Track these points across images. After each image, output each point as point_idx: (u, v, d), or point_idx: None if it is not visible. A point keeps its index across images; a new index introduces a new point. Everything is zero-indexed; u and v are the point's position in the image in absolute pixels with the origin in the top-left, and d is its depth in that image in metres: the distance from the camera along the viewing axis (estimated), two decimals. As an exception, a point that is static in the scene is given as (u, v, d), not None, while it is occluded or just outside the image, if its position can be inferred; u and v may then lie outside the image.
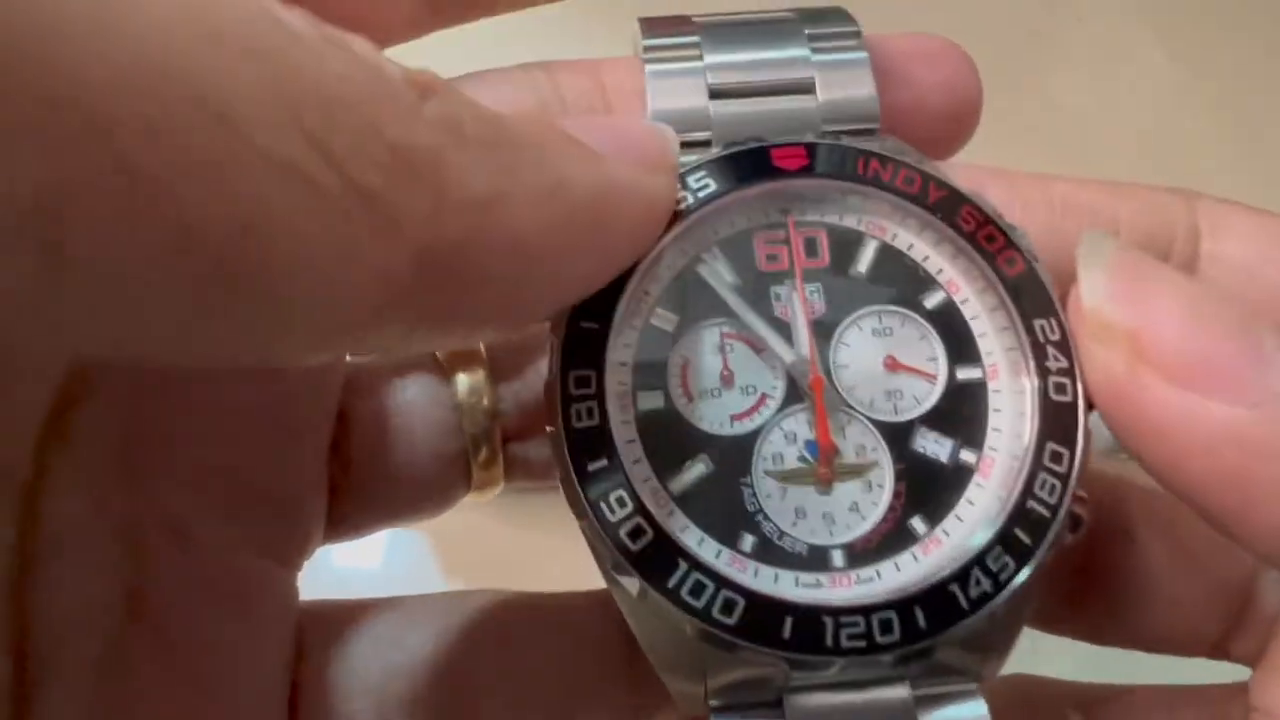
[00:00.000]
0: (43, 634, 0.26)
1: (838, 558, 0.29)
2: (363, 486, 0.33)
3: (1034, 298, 0.29)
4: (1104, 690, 0.33)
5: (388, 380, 0.33)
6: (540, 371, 0.33)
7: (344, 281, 0.18)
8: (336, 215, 0.18)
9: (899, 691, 0.27)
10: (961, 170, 0.32)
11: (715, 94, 0.31)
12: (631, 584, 0.27)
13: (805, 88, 0.31)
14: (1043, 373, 0.28)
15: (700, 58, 0.31)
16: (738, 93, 0.31)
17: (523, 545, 0.54)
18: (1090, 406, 0.28)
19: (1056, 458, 0.28)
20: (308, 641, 0.32)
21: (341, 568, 0.67)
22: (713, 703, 0.27)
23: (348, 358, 0.33)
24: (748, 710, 0.27)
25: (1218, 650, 0.32)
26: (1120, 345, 0.25)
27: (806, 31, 0.31)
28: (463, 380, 0.33)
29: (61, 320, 0.16)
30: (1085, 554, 0.31)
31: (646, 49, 0.31)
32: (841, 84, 0.31)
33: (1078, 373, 0.28)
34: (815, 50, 0.31)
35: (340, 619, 0.33)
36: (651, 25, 0.32)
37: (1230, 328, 0.24)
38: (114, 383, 0.27)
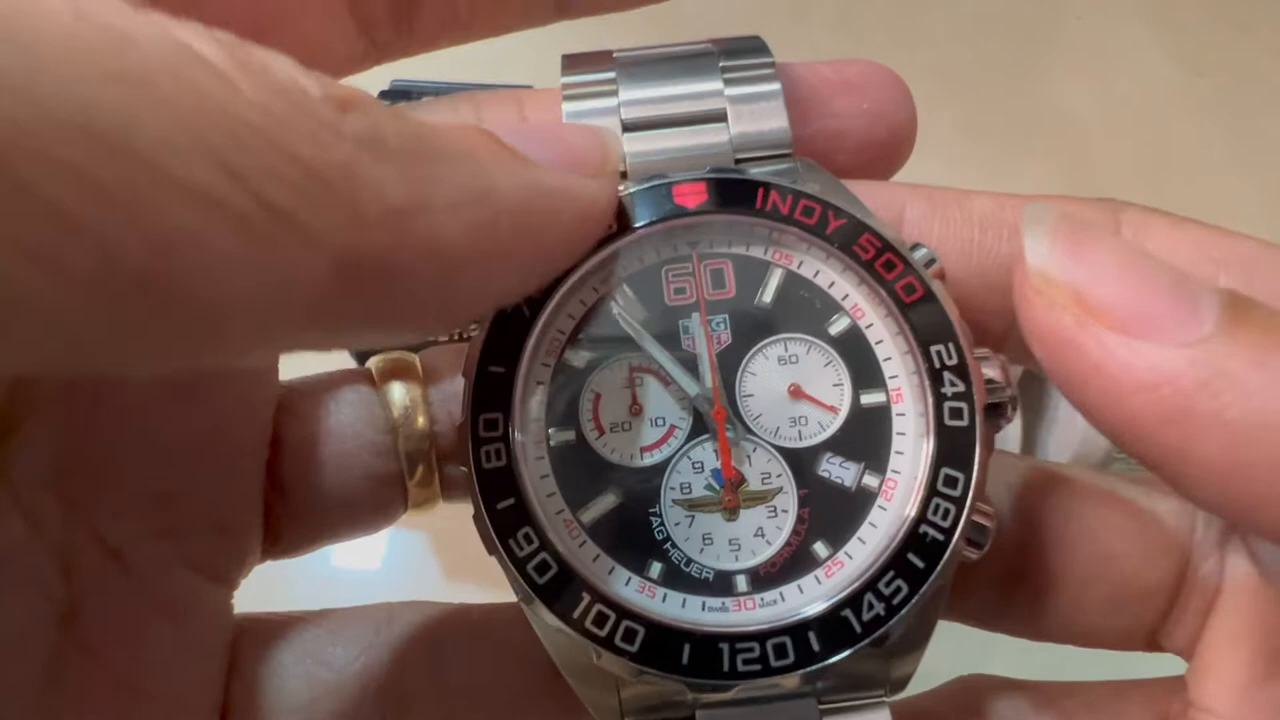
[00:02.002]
0: None
1: (742, 582, 0.30)
2: (298, 507, 0.33)
3: (931, 323, 0.30)
4: (1054, 688, 0.34)
5: (321, 403, 0.34)
6: None
7: (264, 290, 0.19)
8: (251, 232, 0.19)
9: (806, 706, 0.28)
10: (881, 189, 0.32)
11: (628, 127, 0.31)
12: (541, 612, 0.28)
13: (717, 118, 0.32)
14: (939, 398, 0.29)
15: (615, 93, 0.32)
16: (650, 125, 0.32)
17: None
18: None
19: (951, 482, 0.29)
20: (241, 656, 0.33)
21: (342, 568, 0.69)
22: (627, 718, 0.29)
23: (280, 379, 0.34)
24: None
25: (1150, 644, 0.33)
26: (1065, 299, 0.26)
27: (721, 64, 0.32)
28: (397, 399, 0.33)
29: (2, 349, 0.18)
30: (1016, 554, 0.32)
31: (565, 85, 0.32)
32: (753, 116, 0.32)
33: (975, 396, 0.29)
34: (728, 83, 0.32)
35: (272, 634, 0.34)
36: (571, 62, 0.33)
37: (1166, 279, 0.26)
38: (47, 414, 0.29)
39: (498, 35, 0.32)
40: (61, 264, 0.17)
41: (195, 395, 0.31)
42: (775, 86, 0.32)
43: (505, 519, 0.29)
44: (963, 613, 0.33)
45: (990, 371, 0.30)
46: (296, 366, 0.30)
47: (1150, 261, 0.26)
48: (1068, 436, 0.66)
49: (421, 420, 0.33)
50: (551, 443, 0.30)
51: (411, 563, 0.70)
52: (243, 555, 0.33)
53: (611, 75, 0.32)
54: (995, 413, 0.30)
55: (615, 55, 0.33)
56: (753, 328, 0.31)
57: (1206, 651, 0.31)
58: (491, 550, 0.29)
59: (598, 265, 0.30)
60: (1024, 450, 0.68)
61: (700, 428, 0.30)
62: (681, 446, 0.30)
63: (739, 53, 0.33)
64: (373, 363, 0.34)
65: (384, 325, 0.24)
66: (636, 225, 0.30)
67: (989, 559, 0.30)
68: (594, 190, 0.27)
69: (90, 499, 0.30)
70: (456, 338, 0.51)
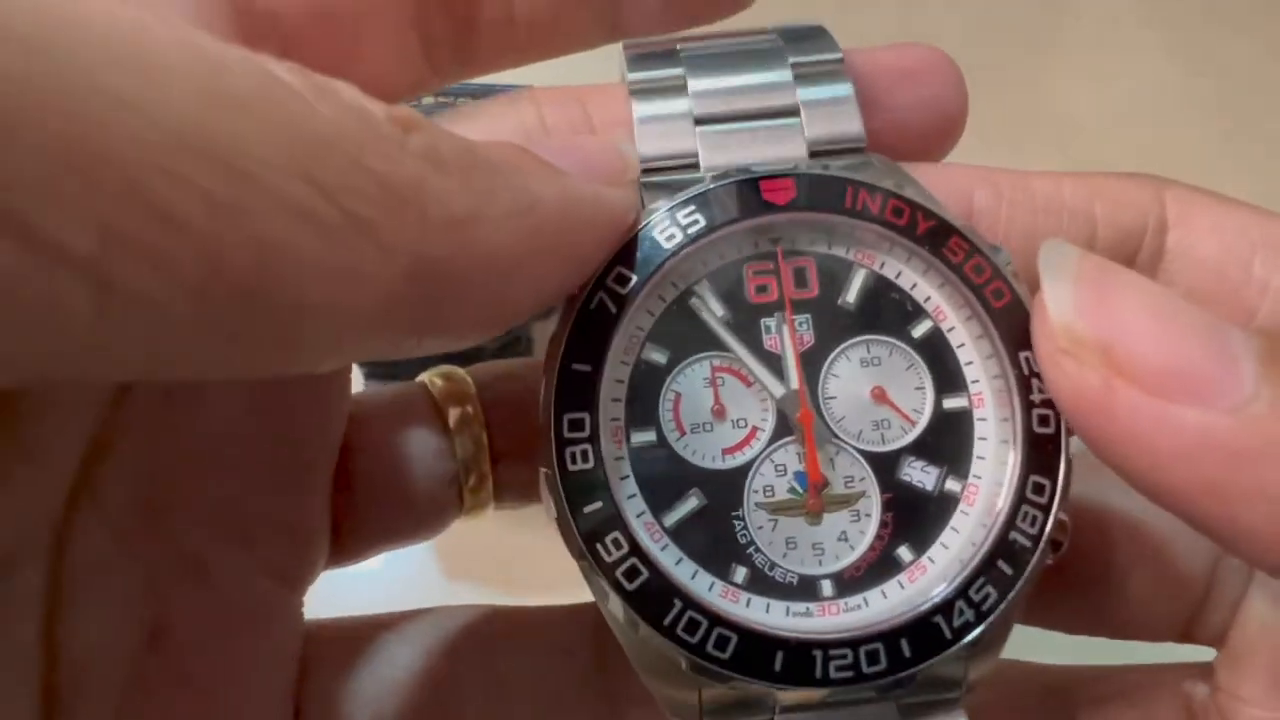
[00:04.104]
0: (69, 667, 0.28)
1: (827, 587, 0.29)
2: (363, 514, 0.34)
3: (1019, 329, 0.29)
4: (1077, 672, 0.34)
5: (387, 415, 0.35)
6: (523, 398, 0.33)
7: (348, 298, 0.21)
8: (338, 243, 0.20)
9: (885, 708, 0.28)
10: (947, 175, 0.32)
11: (701, 120, 0.31)
12: (630, 622, 0.28)
13: (791, 112, 0.31)
14: (1027, 405, 0.29)
15: (685, 90, 0.31)
16: (724, 119, 0.31)
17: (522, 548, 0.55)
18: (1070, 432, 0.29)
19: (1039, 489, 0.29)
20: (311, 660, 0.34)
21: (343, 569, 0.68)
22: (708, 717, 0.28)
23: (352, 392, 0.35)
24: None
25: (1185, 635, 0.33)
26: (1093, 359, 0.25)
27: (790, 60, 0.32)
28: (455, 416, 0.35)
29: (109, 346, 0.19)
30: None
31: (632, 83, 0.32)
32: (829, 119, 0.31)
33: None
34: (799, 79, 0.31)
35: (340, 637, 0.35)
36: (638, 58, 0.32)
37: (1200, 333, 0.25)
38: (136, 433, 0.29)
39: (553, 57, 0.32)
40: (174, 265, 0.18)
41: (272, 407, 0.32)
42: (848, 89, 0.31)
43: (593, 523, 0.28)
44: None
45: None
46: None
47: (1184, 310, 0.25)
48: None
49: (476, 428, 0.35)
50: (631, 443, 0.29)
51: (412, 563, 0.69)
52: (313, 561, 0.33)
53: (680, 71, 0.31)
54: None
55: (679, 49, 0.32)
56: (836, 329, 0.30)
57: (1238, 638, 0.32)
58: (578, 555, 0.28)
59: (681, 260, 0.30)
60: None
61: (783, 430, 0.30)
62: (764, 449, 0.30)
63: (806, 45, 0.32)
64: (426, 376, 0.36)
65: (443, 330, 0.25)
66: (721, 220, 0.30)
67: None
68: (618, 197, 0.28)
69: (172, 511, 0.30)
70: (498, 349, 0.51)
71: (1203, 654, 0.33)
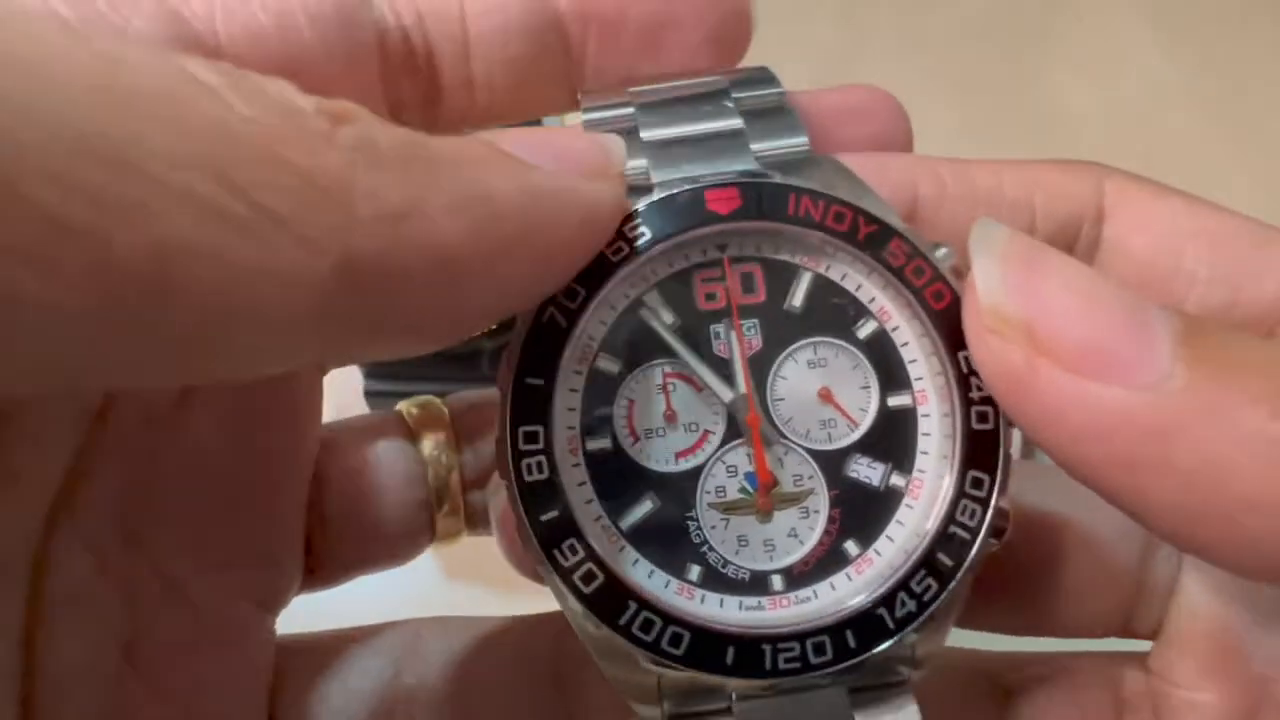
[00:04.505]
0: (48, 684, 0.29)
1: (777, 581, 0.30)
2: (336, 539, 0.35)
3: (959, 329, 0.30)
4: (1009, 658, 0.35)
5: (359, 443, 0.36)
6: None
7: (268, 296, 0.20)
8: (249, 238, 0.20)
9: (836, 694, 0.29)
10: (890, 162, 0.32)
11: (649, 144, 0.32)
12: (589, 622, 0.29)
13: (737, 133, 0.32)
14: (966, 402, 0.30)
15: (636, 130, 0.32)
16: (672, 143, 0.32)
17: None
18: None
19: (977, 484, 0.30)
20: (284, 674, 0.35)
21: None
22: (669, 708, 0.29)
23: (322, 420, 0.35)
24: (700, 717, 0.30)
25: (1124, 630, 0.34)
26: (1017, 336, 0.26)
27: (734, 95, 0.32)
28: (428, 444, 0.36)
29: (14, 359, 0.19)
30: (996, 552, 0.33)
31: (586, 123, 0.32)
32: (772, 133, 0.32)
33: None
34: (744, 114, 0.32)
35: (312, 651, 0.36)
36: (590, 96, 0.33)
37: (1120, 311, 0.25)
38: (114, 457, 0.30)
39: (518, 122, 0.33)
40: (56, 266, 0.18)
41: (247, 434, 0.33)
42: (791, 113, 0.32)
43: (550, 531, 0.29)
44: None
45: None
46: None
47: (1104, 289, 0.26)
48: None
49: (449, 456, 0.36)
50: (587, 450, 0.31)
51: (411, 562, 0.69)
52: (287, 584, 0.35)
53: (630, 110, 0.32)
54: None
55: (630, 90, 0.33)
56: (783, 332, 0.31)
57: (1170, 627, 0.33)
58: (539, 562, 0.29)
59: (630, 272, 0.31)
60: (1024, 449, 0.69)
61: (734, 432, 0.31)
62: (715, 451, 0.31)
63: (749, 84, 0.33)
64: (402, 406, 0.37)
65: (391, 333, 0.24)
66: (668, 232, 0.31)
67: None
68: (597, 192, 0.27)
69: (151, 534, 0.31)
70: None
71: (1141, 646, 0.34)
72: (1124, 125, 0.91)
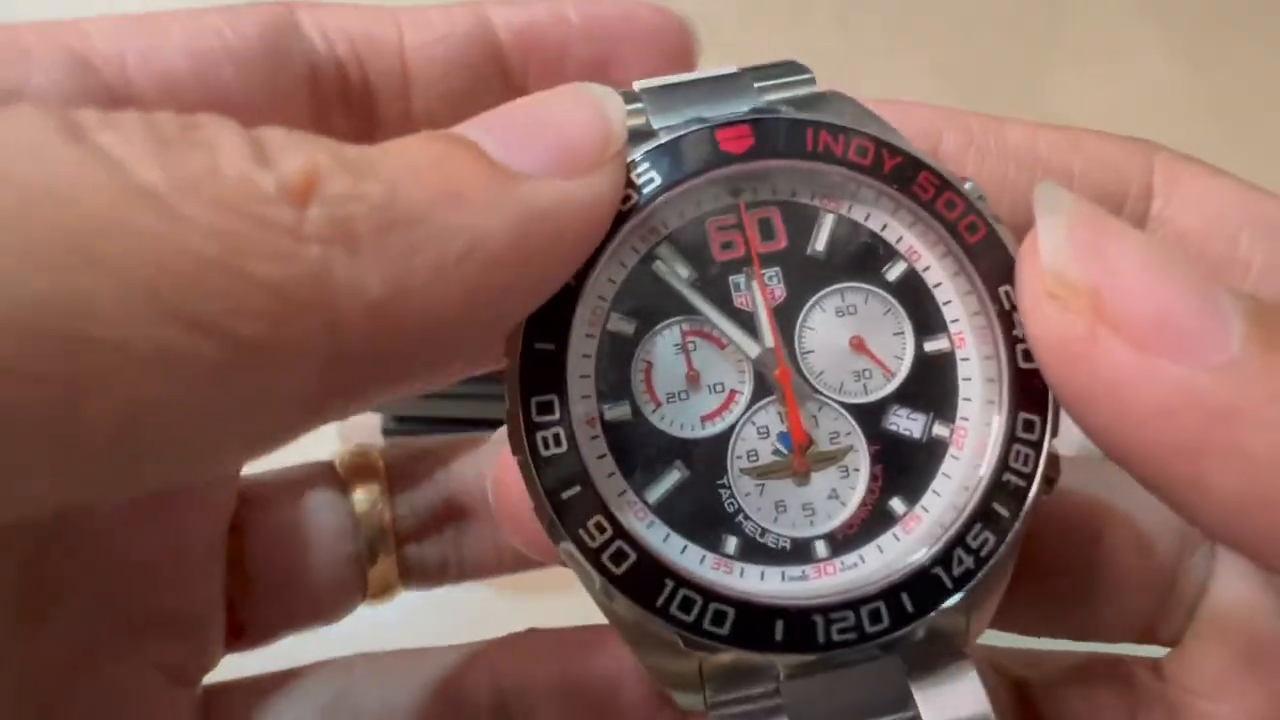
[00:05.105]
0: None
1: (821, 548, 0.28)
2: (261, 599, 0.33)
3: (997, 263, 0.28)
4: (1023, 654, 0.33)
5: (286, 496, 0.34)
6: (436, 477, 0.34)
7: (249, 414, 0.19)
8: (226, 374, 0.18)
9: (891, 664, 0.27)
10: (915, 113, 0.31)
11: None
12: (621, 606, 0.26)
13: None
14: (1010, 341, 0.28)
15: (647, 123, 0.29)
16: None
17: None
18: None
19: (1029, 426, 0.27)
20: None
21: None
22: (711, 695, 0.27)
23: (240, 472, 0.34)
24: (746, 701, 0.27)
25: (1145, 636, 0.32)
26: (1080, 303, 0.24)
27: (755, 85, 0.30)
28: (360, 496, 0.34)
29: None
30: (1024, 553, 0.31)
31: None
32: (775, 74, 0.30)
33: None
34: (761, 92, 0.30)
35: (246, 692, 0.34)
36: None
37: (1191, 288, 0.23)
38: (12, 541, 0.28)
39: None
40: (25, 452, 0.16)
41: (150, 503, 0.31)
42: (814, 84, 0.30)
43: (573, 508, 0.26)
44: None
45: None
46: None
47: (1177, 264, 0.24)
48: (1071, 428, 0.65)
49: (383, 509, 0.34)
50: (606, 419, 0.28)
51: None
52: (206, 651, 0.33)
53: (640, 106, 0.29)
54: None
55: (635, 86, 0.30)
56: (808, 280, 0.29)
57: (1192, 637, 0.31)
58: (559, 542, 0.27)
59: (638, 223, 0.28)
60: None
61: (762, 390, 0.29)
62: (744, 412, 0.29)
63: (773, 73, 0.31)
64: (336, 454, 0.35)
65: (380, 397, 0.22)
66: (676, 178, 0.28)
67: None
68: (597, 189, 0.25)
69: (58, 606, 0.29)
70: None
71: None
72: (1124, 126, 0.90)
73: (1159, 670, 0.32)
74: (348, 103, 0.30)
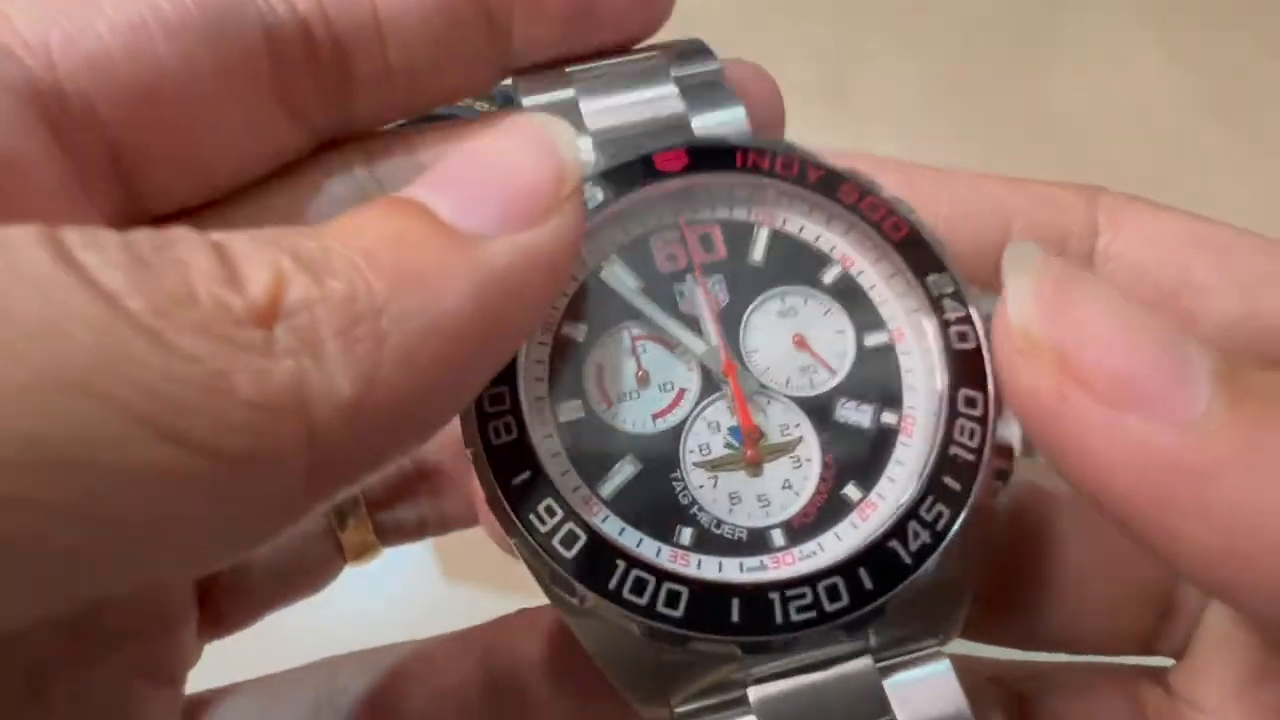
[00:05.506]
0: None
1: (778, 537, 0.29)
2: (235, 582, 0.34)
3: (923, 256, 0.30)
4: (1021, 665, 0.33)
5: None
6: None
7: (239, 524, 0.19)
8: (214, 487, 0.18)
9: (862, 663, 0.27)
10: (859, 159, 0.32)
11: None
12: (571, 595, 0.27)
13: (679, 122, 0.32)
14: (944, 325, 0.29)
15: (578, 108, 0.31)
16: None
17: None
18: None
19: (970, 402, 0.28)
20: None
21: (343, 571, 0.68)
22: (678, 709, 0.27)
23: None
24: (715, 711, 0.27)
25: (1146, 647, 0.32)
26: (1047, 362, 0.24)
27: (672, 73, 0.32)
28: None
29: None
30: (1010, 561, 0.31)
31: (528, 108, 0.32)
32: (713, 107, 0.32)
33: (975, 319, 0.29)
34: (684, 91, 0.32)
35: (224, 705, 0.34)
36: (529, 83, 0.32)
37: (1159, 343, 0.23)
38: None
39: (446, 104, 0.31)
40: (30, 588, 0.17)
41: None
42: (728, 87, 0.32)
43: (523, 494, 0.27)
44: None
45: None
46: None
47: (1144, 319, 0.24)
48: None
49: None
50: (559, 419, 0.29)
51: (411, 563, 0.69)
52: (183, 648, 0.33)
53: (570, 93, 0.32)
54: None
55: (567, 71, 0.32)
56: (749, 285, 0.31)
57: (1198, 650, 0.31)
58: (511, 530, 0.27)
59: (586, 239, 0.30)
60: (1024, 448, 0.67)
61: (711, 387, 0.30)
62: (694, 408, 0.30)
63: (687, 58, 0.33)
64: None
65: (370, 478, 0.23)
66: (620, 197, 0.30)
67: (984, 569, 0.29)
68: (557, 231, 0.24)
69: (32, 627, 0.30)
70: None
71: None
72: (1125, 126, 0.90)
73: (1164, 683, 0.32)
74: (317, 64, 0.29)
